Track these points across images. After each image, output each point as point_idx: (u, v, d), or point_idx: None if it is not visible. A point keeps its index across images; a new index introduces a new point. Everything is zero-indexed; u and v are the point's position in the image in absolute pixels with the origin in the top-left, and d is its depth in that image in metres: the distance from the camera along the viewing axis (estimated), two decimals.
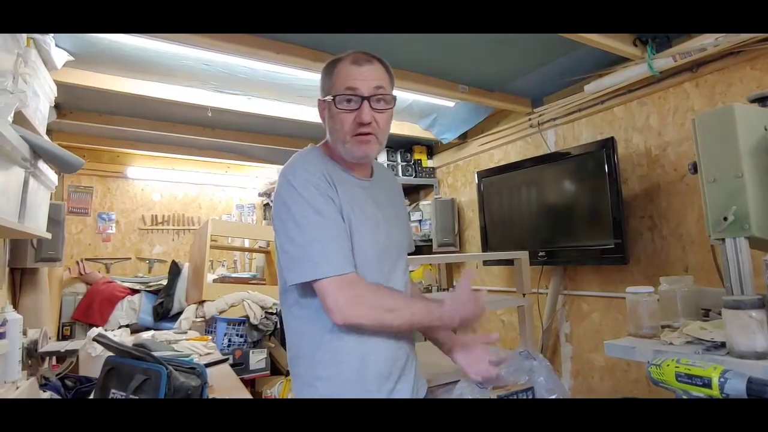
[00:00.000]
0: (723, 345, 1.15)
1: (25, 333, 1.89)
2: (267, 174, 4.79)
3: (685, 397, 0.99)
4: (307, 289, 1.01)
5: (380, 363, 1.05)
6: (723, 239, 1.29)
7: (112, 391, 1.37)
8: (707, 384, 0.94)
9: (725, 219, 1.25)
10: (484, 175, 3.20)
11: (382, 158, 3.65)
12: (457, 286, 1.10)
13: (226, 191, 4.94)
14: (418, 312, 1.03)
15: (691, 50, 2.01)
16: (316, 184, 1.01)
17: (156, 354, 1.45)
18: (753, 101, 1.44)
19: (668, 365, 1.03)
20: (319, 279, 0.96)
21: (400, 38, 2.12)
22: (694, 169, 1.38)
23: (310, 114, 3.02)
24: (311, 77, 2.49)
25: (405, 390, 1.09)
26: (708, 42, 1.94)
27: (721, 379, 0.92)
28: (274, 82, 2.58)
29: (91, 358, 2.10)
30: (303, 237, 0.98)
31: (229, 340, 2.93)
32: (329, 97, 1.07)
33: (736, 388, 0.90)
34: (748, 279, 1.23)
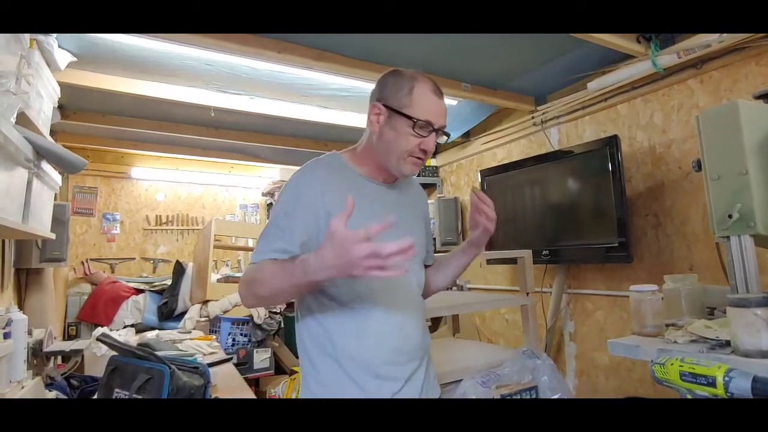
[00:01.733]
0: (728, 343, 1.14)
1: (30, 333, 1.90)
2: (270, 174, 4.79)
3: (689, 396, 0.99)
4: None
5: (380, 364, 1.06)
6: (728, 237, 1.28)
7: (116, 390, 1.37)
8: (712, 383, 0.93)
9: (730, 216, 1.24)
10: (487, 173, 3.20)
11: None
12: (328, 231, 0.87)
13: (230, 191, 4.95)
14: (276, 275, 0.97)
15: (695, 47, 1.99)
16: (299, 191, 1.08)
17: (159, 353, 1.45)
18: (758, 98, 1.43)
19: (672, 364, 1.02)
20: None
21: (401, 36, 2.12)
22: (698, 166, 1.36)
23: (313, 113, 3.02)
24: (314, 77, 2.49)
25: (410, 395, 1.09)
26: (712, 39, 1.93)
27: (726, 378, 0.91)
28: (277, 81, 2.58)
29: (96, 358, 2.12)
30: (265, 228, 1.08)
31: (233, 340, 2.94)
32: (404, 114, 1.08)
33: (741, 387, 0.89)
34: (754, 277, 1.22)
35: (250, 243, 4.63)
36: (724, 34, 1.88)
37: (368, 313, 1.07)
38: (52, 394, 1.76)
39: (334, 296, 1.07)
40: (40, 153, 1.59)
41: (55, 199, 2.22)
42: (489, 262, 3.22)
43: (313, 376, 1.09)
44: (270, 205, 4.95)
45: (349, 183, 1.12)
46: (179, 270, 3.64)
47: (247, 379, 2.43)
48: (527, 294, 2.14)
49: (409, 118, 1.07)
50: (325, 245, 0.86)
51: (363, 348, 1.06)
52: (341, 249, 0.83)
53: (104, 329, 2.65)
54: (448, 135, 1.16)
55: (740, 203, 1.23)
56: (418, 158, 1.10)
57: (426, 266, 1.31)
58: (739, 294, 1.21)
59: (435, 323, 3.26)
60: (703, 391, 0.95)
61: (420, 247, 1.23)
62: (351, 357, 1.05)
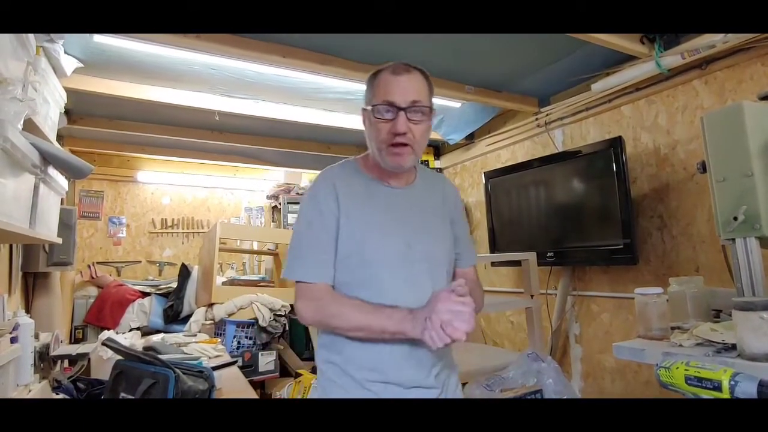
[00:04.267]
0: (734, 347, 1.13)
1: (37, 337, 1.92)
2: (275, 177, 4.81)
3: None
4: None
5: (388, 369, 1.06)
6: (733, 239, 1.27)
7: (121, 394, 1.38)
8: (717, 387, 0.92)
9: (735, 219, 1.23)
10: (491, 175, 3.19)
11: None
12: (433, 297, 0.99)
13: (235, 194, 4.97)
14: (365, 317, 1.02)
15: (699, 47, 1.98)
16: (317, 200, 1.11)
17: (164, 357, 1.46)
18: (763, 98, 1.42)
19: (677, 368, 1.01)
20: (297, 281, 1.09)
21: (405, 39, 2.12)
22: (703, 168, 1.36)
23: (317, 117, 3.03)
24: (318, 80, 2.50)
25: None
26: (717, 39, 1.92)
27: (732, 382, 0.90)
28: (281, 85, 2.59)
29: (103, 361, 2.12)
30: (292, 243, 1.13)
31: (239, 343, 2.95)
32: (369, 107, 1.10)
33: (747, 391, 0.88)
34: (760, 280, 1.22)
35: (255, 246, 4.65)
36: (729, 35, 1.87)
37: None
38: (58, 398, 1.77)
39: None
40: (47, 159, 1.61)
41: (62, 203, 2.24)
42: (494, 264, 3.22)
43: (321, 378, 1.13)
44: (275, 208, 4.97)
45: (360, 187, 1.14)
46: (185, 273, 3.66)
47: (252, 382, 2.43)
48: (532, 296, 2.13)
49: (373, 107, 1.08)
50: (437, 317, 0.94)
51: (369, 350, 1.06)
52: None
53: (110, 332, 2.66)
54: (429, 108, 1.10)
55: (745, 205, 1.22)
56: (396, 144, 1.07)
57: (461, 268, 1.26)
58: (745, 297, 1.21)
59: None
60: (708, 396, 0.94)
61: (442, 250, 1.19)
62: (357, 358, 1.07)
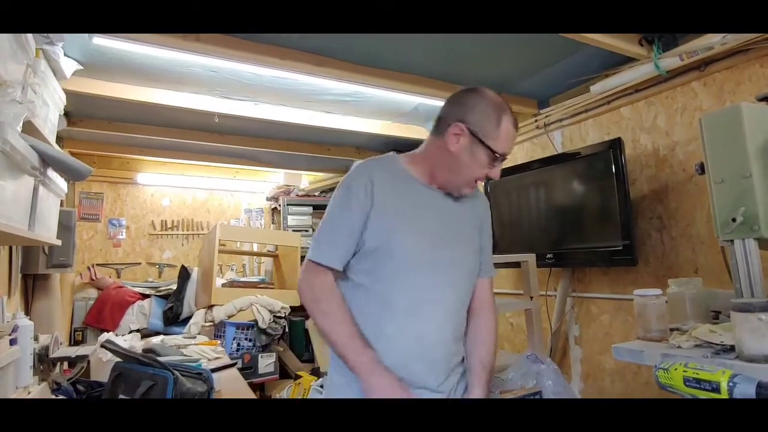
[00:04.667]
0: (732, 348, 1.13)
1: (36, 339, 1.92)
2: (275, 178, 4.81)
3: None
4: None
5: (395, 367, 1.07)
6: (732, 241, 1.27)
7: (120, 396, 1.38)
8: (716, 388, 0.92)
9: (734, 220, 1.23)
10: None
11: None
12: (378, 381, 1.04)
13: (235, 196, 4.97)
14: (339, 333, 1.08)
15: (698, 49, 1.98)
16: (350, 192, 1.13)
17: (163, 359, 1.46)
18: (761, 100, 1.42)
19: (676, 369, 1.01)
20: (309, 258, 1.13)
21: (403, 41, 2.12)
22: (702, 169, 1.36)
23: (316, 118, 3.03)
24: (316, 82, 2.50)
25: None
26: (715, 40, 1.92)
27: (730, 384, 0.91)
28: (279, 87, 2.59)
29: (102, 363, 2.12)
30: (323, 224, 1.16)
31: (238, 345, 2.95)
32: (484, 141, 1.11)
33: (746, 392, 0.89)
34: (758, 281, 1.22)
35: (255, 247, 4.65)
36: (728, 36, 1.87)
37: (382, 314, 1.10)
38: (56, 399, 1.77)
39: (363, 284, 1.13)
40: (46, 161, 1.61)
41: (62, 205, 2.24)
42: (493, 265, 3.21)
43: (329, 374, 1.18)
44: (275, 209, 4.97)
45: (400, 182, 1.17)
46: (184, 275, 3.66)
47: (251, 384, 2.43)
48: (531, 298, 2.13)
49: (493, 151, 1.11)
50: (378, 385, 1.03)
51: (384, 344, 1.08)
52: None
53: (110, 334, 2.67)
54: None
55: (744, 207, 1.22)
56: (477, 182, 1.18)
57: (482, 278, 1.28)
58: (744, 299, 1.21)
59: None
60: (707, 397, 0.94)
61: (468, 258, 1.22)
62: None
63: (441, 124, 1.17)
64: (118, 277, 4.18)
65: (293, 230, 4.38)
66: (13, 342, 1.52)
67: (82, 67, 2.15)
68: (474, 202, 1.28)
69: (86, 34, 1.87)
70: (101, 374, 2.03)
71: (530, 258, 2.17)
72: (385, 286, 1.10)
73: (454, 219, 1.20)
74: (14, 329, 1.57)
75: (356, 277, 1.13)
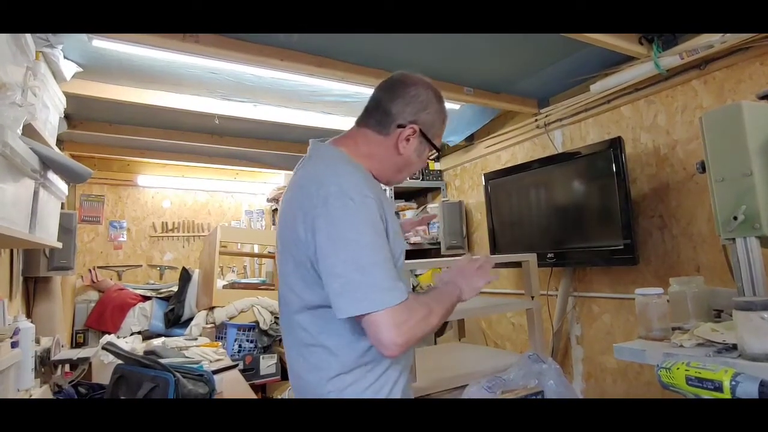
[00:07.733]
0: (735, 347, 1.13)
1: (38, 341, 1.92)
2: (275, 180, 4.82)
3: None
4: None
5: None
6: (733, 239, 1.27)
7: (122, 398, 1.38)
8: (718, 387, 0.92)
9: (735, 219, 1.23)
10: (491, 177, 3.19)
11: None
12: (453, 263, 1.10)
13: (235, 197, 4.98)
14: (441, 303, 1.00)
15: (698, 47, 1.98)
16: (372, 212, 0.95)
17: (164, 361, 1.46)
18: (762, 98, 1.42)
19: (678, 368, 1.01)
20: (378, 310, 0.87)
21: (403, 41, 2.12)
22: (702, 168, 1.36)
23: (317, 119, 3.04)
24: (317, 83, 2.50)
25: None
26: (715, 39, 1.92)
27: (733, 383, 0.90)
28: (280, 88, 2.59)
29: (104, 365, 2.13)
30: (363, 259, 0.89)
31: (240, 346, 2.95)
32: (433, 148, 1.14)
33: (748, 391, 0.88)
34: (760, 279, 1.21)
35: (256, 249, 4.65)
36: (727, 35, 1.87)
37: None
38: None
39: None
40: (46, 163, 1.61)
41: (62, 207, 2.24)
42: (494, 265, 3.21)
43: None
44: (275, 210, 4.97)
45: (379, 189, 1.08)
46: (185, 277, 3.66)
47: (253, 386, 2.43)
48: (532, 297, 2.13)
49: (437, 149, 1.14)
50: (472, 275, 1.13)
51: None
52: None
53: (111, 337, 2.67)
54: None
55: (745, 205, 1.22)
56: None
57: None
58: (746, 297, 1.20)
59: (441, 327, 3.25)
60: (709, 396, 0.94)
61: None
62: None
63: (388, 121, 1.07)
64: (119, 279, 4.18)
65: None
66: (14, 345, 1.52)
67: (81, 70, 2.15)
68: None
69: (86, 37, 1.87)
70: (103, 376, 2.03)
71: (531, 258, 2.17)
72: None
73: None
74: (15, 332, 1.57)
75: None
